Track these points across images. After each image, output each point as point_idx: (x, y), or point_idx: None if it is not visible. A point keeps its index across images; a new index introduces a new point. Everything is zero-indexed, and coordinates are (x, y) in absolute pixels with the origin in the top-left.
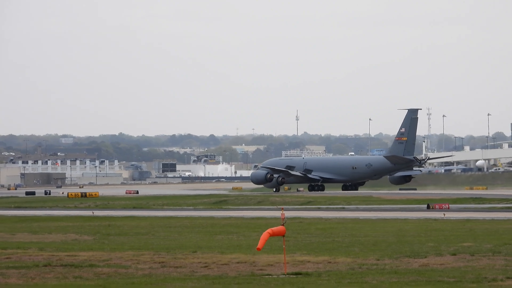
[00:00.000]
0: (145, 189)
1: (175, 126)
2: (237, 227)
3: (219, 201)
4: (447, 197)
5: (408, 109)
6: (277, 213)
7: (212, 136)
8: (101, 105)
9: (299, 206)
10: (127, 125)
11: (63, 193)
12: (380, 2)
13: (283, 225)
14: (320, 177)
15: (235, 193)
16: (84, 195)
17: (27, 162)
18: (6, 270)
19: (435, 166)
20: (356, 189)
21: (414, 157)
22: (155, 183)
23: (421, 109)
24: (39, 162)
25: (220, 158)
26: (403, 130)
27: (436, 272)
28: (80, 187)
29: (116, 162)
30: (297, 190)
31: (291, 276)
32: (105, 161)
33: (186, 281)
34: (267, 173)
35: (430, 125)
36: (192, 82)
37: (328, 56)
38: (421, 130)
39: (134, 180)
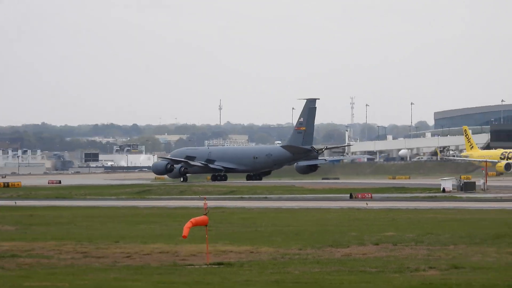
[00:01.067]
0: (68, 179)
1: (98, 115)
2: (159, 217)
3: (142, 191)
4: (370, 186)
5: (306, 99)
6: (200, 203)
7: (135, 125)
8: (24, 94)
9: (222, 196)
10: (50, 115)
11: None
12: None
13: (205, 214)
14: (223, 167)
15: (157, 182)
16: (6, 185)
17: None
18: None
19: (357, 155)
20: (260, 179)
21: (311, 147)
22: (77, 173)
23: (319, 99)
24: None
25: (143, 147)
26: (301, 120)
27: (359, 262)
28: (2, 177)
29: (38, 151)
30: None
31: (214, 266)
32: (28, 150)
33: (108, 271)
34: (167, 163)
35: (353, 114)
36: (114, 71)
37: (252, 42)
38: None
39: (56, 170)
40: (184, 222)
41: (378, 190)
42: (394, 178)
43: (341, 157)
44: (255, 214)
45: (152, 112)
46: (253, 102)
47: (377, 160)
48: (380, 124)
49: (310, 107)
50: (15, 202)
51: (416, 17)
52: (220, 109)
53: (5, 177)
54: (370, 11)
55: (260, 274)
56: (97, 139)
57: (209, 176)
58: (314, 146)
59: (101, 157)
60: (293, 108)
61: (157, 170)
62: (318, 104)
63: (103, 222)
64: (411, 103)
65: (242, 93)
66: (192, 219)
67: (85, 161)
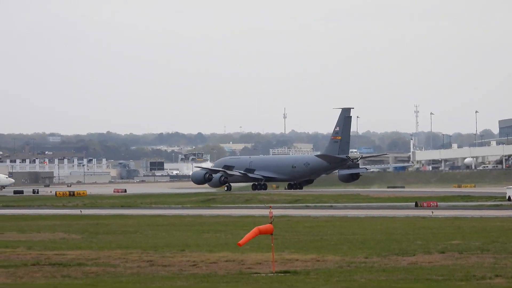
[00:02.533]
0: (133, 188)
1: (163, 124)
2: (225, 225)
3: (207, 199)
4: (435, 195)
5: (342, 108)
6: (265, 211)
7: (199, 134)
8: (89, 104)
9: (287, 204)
10: (115, 124)
11: (51, 192)
12: None
13: (271, 223)
14: (263, 176)
15: (222, 191)
16: (72, 194)
17: (15, 161)
18: None
19: (422, 164)
20: (301, 188)
21: (346, 156)
22: (143, 181)
23: (353, 108)
24: (27, 161)
25: (208, 156)
26: (337, 129)
27: (425, 270)
28: (68, 186)
29: (104, 160)
30: (285, 189)
31: (280, 274)
32: (93, 159)
33: (175, 279)
34: (206, 173)
35: (417, 122)
36: (179, 81)
37: (316, 53)
38: (409, 127)
39: (122, 178)
40: (250, 230)
41: (443, 199)
42: (459, 187)
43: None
44: (321, 222)
45: (217, 121)
46: (318, 110)
47: (442, 168)
48: (444, 132)
49: (345, 116)
50: (81, 211)
51: (480, 23)
52: (284, 117)
53: (70, 186)
54: (434, 17)
55: (326, 282)
56: (162, 148)
57: (274, 184)
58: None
59: (166, 165)
60: (357, 117)
61: (196, 179)
62: (379, 112)
63: (169, 230)
64: (476, 111)
65: (306, 102)
66: (258, 227)
67: (150, 169)
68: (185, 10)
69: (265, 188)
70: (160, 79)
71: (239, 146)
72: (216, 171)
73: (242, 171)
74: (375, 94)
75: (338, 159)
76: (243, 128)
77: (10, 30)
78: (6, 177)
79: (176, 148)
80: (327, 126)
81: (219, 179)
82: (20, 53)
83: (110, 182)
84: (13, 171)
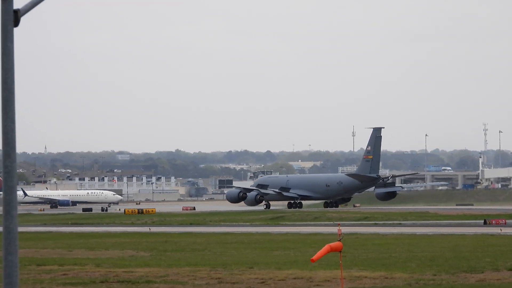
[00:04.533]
0: (202, 206)
1: (231, 142)
2: (293, 243)
3: (276, 217)
4: (503, 212)
5: (373, 128)
6: (334, 229)
7: (268, 152)
8: (158, 122)
9: (355, 222)
10: (183, 142)
11: (120, 209)
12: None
13: (339, 240)
14: (298, 194)
15: (291, 209)
16: (140, 212)
17: (84, 179)
18: (63, 286)
19: (491, 182)
20: (337, 206)
21: (377, 175)
22: (211, 199)
23: (384, 127)
24: (96, 178)
25: (277, 174)
26: (369, 148)
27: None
28: (136, 204)
29: (172, 178)
30: (354, 206)
31: None
32: (162, 177)
33: None
34: (240, 191)
35: (486, 140)
36: (248, 99)
37: (379, 71)
38: (478, 146)
39: (190, 196)
40: (318, 248)
41: None
42: None
43: (407, 185)
44: (389, 240)
45: (286, 139)
46: (387, 127)
47: (511, 186)
48: None
49: (376, 136)
50: (150, 229)
51: None
52: (353, 135)
53: (139, 203)
54: (505, 38)
55: None
56: (231, 165)
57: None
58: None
59: (235, 183)
60: (426, 135)
61: (231, 198)
62: (448, 130)
63: (237, 248)
64: None
65: (374, 119)
66: (328, 245)
67: (219, 187)
68: (259, 28)
69: (301, 207)
70: (228, 98)
71: (307, 164)
72: (250, 190)
73: (276, 190)
74: (444, 112)
75: (369, 178)
76: (312, 146)
77: (65, 48)
78: (113, 194)
79: (245, 166)
80: (395, 144)
81: (255, 197)
82: (83, 71)
83: (179, 200)
84: (82, 189)
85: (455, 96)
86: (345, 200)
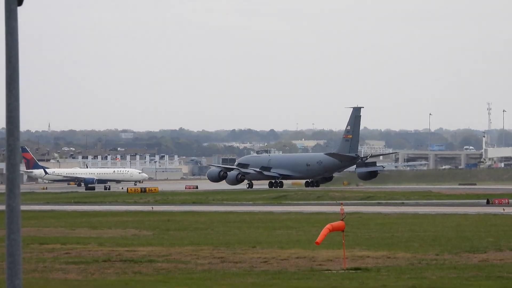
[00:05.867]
0: (205, 184)
1: (235, 121)
2: (296, 222)
3: (279, 196)
4: (506, 192)
5: (353, 108)
6: (337, 208)
7: (272, 131)
8: (161, 100)
9: (358, 201)
10: (187, 120)
11: (122, 188)
12: None
13: (342, 220)
14: (279, 174)
15: (294, 188)
16: (143, 190)
17: (87, 157)
18: (66, 265)
19: (494, 162)
20: (318, 186)
21: (356, 155)
22: None
23: (363, 107)
24: (99, 157)
25: (281, 153)
26: (348, 128)
27: (496, 268)
28: (140, 183)
29: (176, 157)
30: (357, 185)
31: (351, 271)
32: (165, 156)
33: (246, 276)
34: (220, 171)
35: (490, 120)
36: (252, 77)
37: (383, 49)
38: (481, 125)
39: (193, 175)
40: (321, 227)
41: None
42: None
43: (387, 164)
44: (392, 219)
45: (289, 118)
46: (390, 107)
47: None
48: None
49: (356, 116)
50: (152, 207)
51: None
52: None
53: (142, 182)
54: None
55: (397, 279)
56: (234, 144)
57: (346, 181)
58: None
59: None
60: (430, 114)
61: (212, 177)
62: (452, 110)
63: (240, 227)
64: None
65: (379, 98)
66: (329, 224)
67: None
68: (266, 7)
69: (282, 186)
70: (232, 76)
71: (311, 143)
72: (231, 169)
73: (257, 169)
74: (448, 91)
75: (348, 157)
76: (315, 125)
77: (71, 26)
78: (139, 172)
79: (248, 145)
80: (400, 123)
81: (236, 177)
82: (88, 49)
83: (182, 178)
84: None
85: (459, 75)
86: (327, 179)
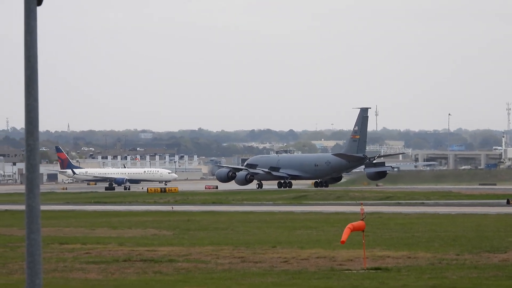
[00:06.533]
0: (225, 185)
1: (254, 121)
2: (316, 222)
3: (299, 196)
4: None
5: (360, 108)
6: (356, 208)
7: (291, 131)
8: (181, 101)
9: (378, 201)
10: (206, 121)
11: (142, 188)
12: None
13: (362, 220)
14: (288, 174)
15: (314, 188)
16: (163, 190)
17: (106, 157)
18: (86, 265)
19: None
20: (327, 186)
21: (363, 155)
22: None
23: (370, 107)
24: (119, 157)
25: (300, 153)
26: (356, 128)
27: None
28: (159, 182)
29: (195, 157)
30: (376, 185)
31: (371, 271)
32: (184, 156)
33: (266, 276)
34: (229, 171)
35: (509, 120)
36: (271, 78)
37: (401, 50)
38: (501, 125)
39: (213, 175)
40: (341, 227)
41: None
42: None
43: (398, 164)
44: (412, 219)
45: (308, 118)
46: (410, 107)
47: None
48: None
49: (363, 116)
50: (172, 207)
51: None
52: (376, 115)
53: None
54: None
55: (417, 279)
56: (254, 144)
57: (366, 182)
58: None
59: None
60: (449, 114)
61: (220, 177)
62: (471, 110)
63: (260, 227)
64: None
65: (398, 98)
66: (350, 224)
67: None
68: (285, 6)
69: (290, 186)
70: (251, 77)
71: (330, 143)
72: (240, 169)
73: (266, 169)
74: (467, 92)
75: (356, 157)
76: (334, 125)
77: (90, 26)
78: (168, 172)
79: (267, 145)
80: (419, 123)
81: (245, 177)
82: (106, 50)
83: (202, 178)
84: (105, 167)
85: (478, 75)
86: (336, 179)
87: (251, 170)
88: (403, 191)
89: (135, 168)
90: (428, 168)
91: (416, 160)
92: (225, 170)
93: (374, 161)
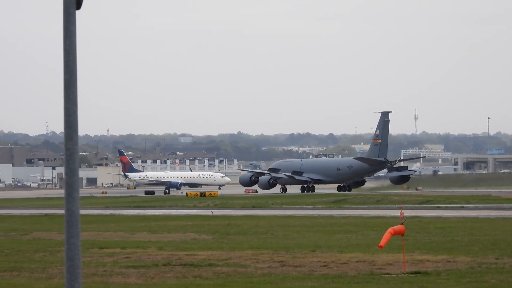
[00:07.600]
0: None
1: (294, 125)
2: (356, 226)
3: (338, 200)
4: None
5: (381, 112)
6: (396, 212)
7: (330, 135)
8: (220, 105)
9: (418, 205)
10: (245, 125)
11: (182, 192)
12: None
13: (402, 224)
14: (310, 178)
15: (353, 192)
16: (203, 195)
17: (146, 162)
18: (126, 269)
19: None
20: (350, 190)
21: (385, 159)
22: None
23: (391, 111)
24: (158, 161)
25: (339, 157)
26: (377, 132)
27: None
28: (199, 187)
29: (234, 161)
30: (416, 189)
31: (410, 275)
32: (224, 160)
33: (305, 280)
34: (252, 175)
35: None
36: (311, 82)
37: (441, 54)
38: None
39: None
40: (380, 231)
41: None
42: None
43: (418, 168)
44: (452, 223)
45: (348, 121)
46: (449, 110)
47: None
48: None
49: (384, 120)
50: (212, 212)
51: None
52: (415, 118)
53: (201, 186)
54: None
55: (457, 283)
56: (293, 148)
57: (406, 185)
58: (500, 155)
59: None
60: (488, 118)
61: (243, 182)
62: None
63: (300, 231)
64: None
65: (438, 101)
66: (391, 228)
67: None
68: (315, 10)
69: (314, 190)
70: (291, 81)
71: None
72: (262, 174)
73: (288, 174)
74: (507, 95)
75: (378, 161)
76: (373, 129)
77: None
78: (222, 176)
79: (307, 149)
80: (459, 126)
81: (268, 181)
82: (149, 53)
83: None
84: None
85: (499, 77)
86: (359, 183)
87: (274, 175)
88: (443, 195)
89: (190, 172)
90: (467, 172)
91: (456, 163)
92: (247, 174)
93: (395, 165)
